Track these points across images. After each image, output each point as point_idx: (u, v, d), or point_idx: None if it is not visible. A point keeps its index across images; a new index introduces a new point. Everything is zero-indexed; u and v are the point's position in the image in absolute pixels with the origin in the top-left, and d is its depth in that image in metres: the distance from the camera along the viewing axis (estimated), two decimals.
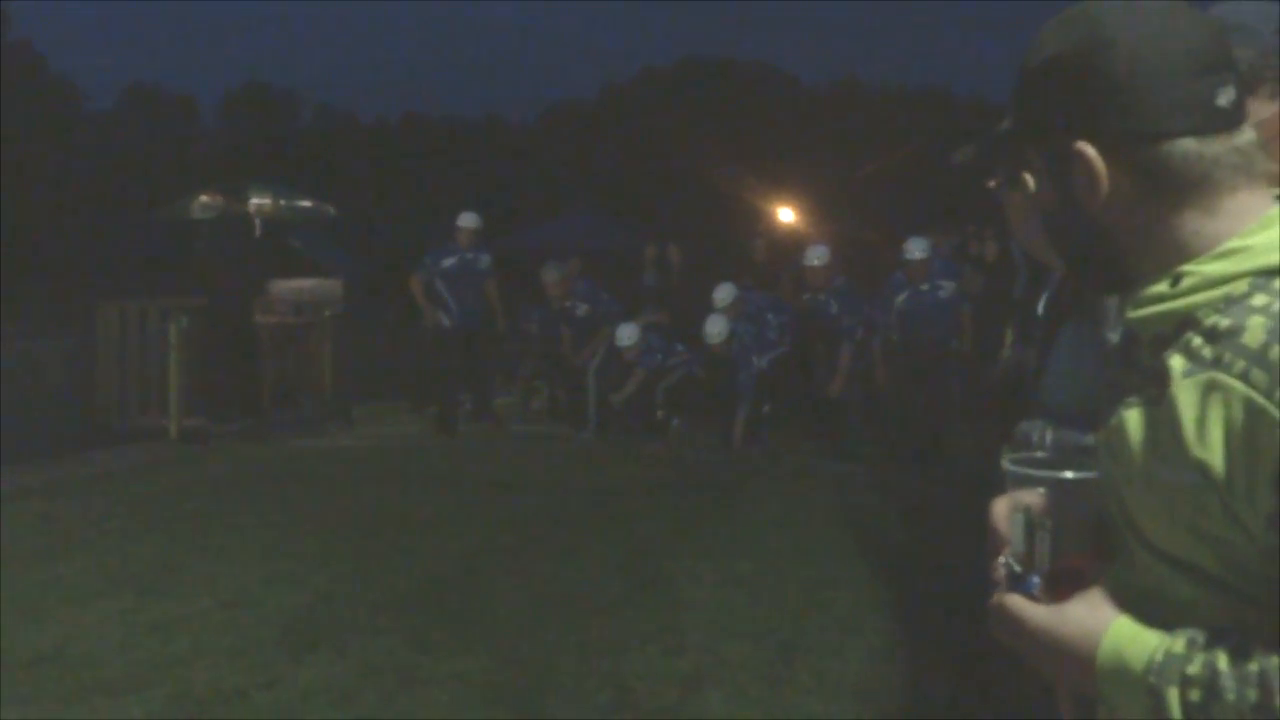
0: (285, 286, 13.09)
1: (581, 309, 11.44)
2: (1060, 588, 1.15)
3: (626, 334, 10.75)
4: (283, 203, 14.60)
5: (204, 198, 13.03)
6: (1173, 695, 1.02)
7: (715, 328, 10.21)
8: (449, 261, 11.25)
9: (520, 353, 13.00)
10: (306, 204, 15.68)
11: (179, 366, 10.58)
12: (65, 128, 36.95)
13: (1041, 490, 1.21)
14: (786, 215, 20.04)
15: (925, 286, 9.68)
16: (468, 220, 11.31)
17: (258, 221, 13.11)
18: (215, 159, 36.25)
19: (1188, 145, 1.09)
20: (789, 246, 14.41)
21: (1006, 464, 1.26)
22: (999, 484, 1.27)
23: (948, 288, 9.79)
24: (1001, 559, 1.20)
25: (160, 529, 7.28)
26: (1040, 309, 2.77)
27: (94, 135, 39.26)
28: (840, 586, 6.02)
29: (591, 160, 40.99)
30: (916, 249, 9.75)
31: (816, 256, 10.54)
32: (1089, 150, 1.11)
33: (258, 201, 13.52)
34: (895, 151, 36.07)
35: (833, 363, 10.21)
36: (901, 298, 9.73)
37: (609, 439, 10.79)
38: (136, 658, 5.05)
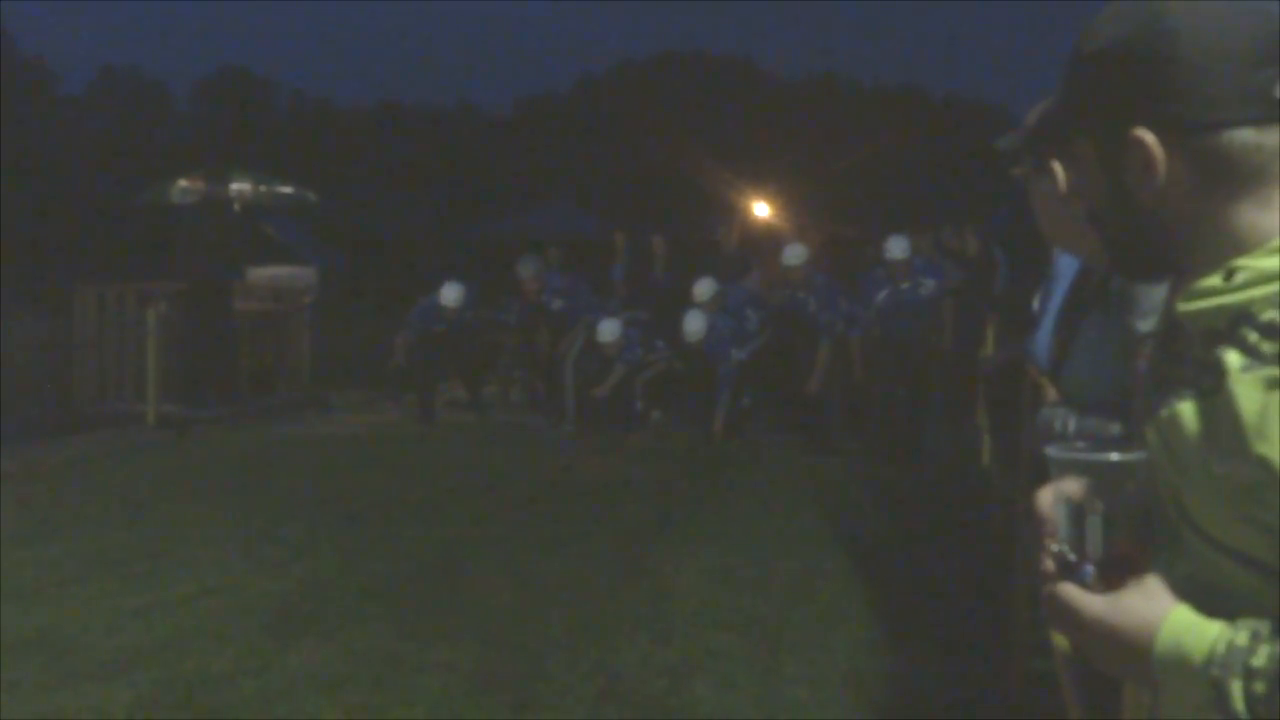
0: (263, 273, 13.01)
1: (556, 303, 11.43)
2: (1113, 575, 1.13)
3: (608, 330, 10.73)
4: (263, 189, 14.48)
5: (183, 182, 12.92)
6: (1236, 687, 1.01)
7: (694, 325, 10.27)
8: (439, 328, 11.40)
9: (497, 345, 12.96)
10: (287, 190, 15.55)
11: (157, 352, 10.49)
12: (38, 111, 36.55)
13: (1087, 477, 1.18)
14: (761, 209, 20.04)
15: (905, 284, 9.72)
16: (450, 298, 11.31)
17: (237, 207, 13.01)
18: (189, 144, 35.97)
19: (1246, 135, 1.08)
20: (762, 239, 14.41)
21: (1050, 451, 1.23)
22: (978, 476, 1.26)
23: (929, 285, 9.84)
24: (1053, 547, 1.18)
25: (140, 514, 7.25)
26: (1036, 304, 2.77)
27: (66, 118, 38.86)
28: (824, 576, 6.05)
29: (568, 152, 40.94)
30: (897, 249, 9.78)
31: (794, 256, 10.54)
32: (1148, 137, 1.10)
33: (238, 187, 13.40)
34: (869, 147, 36.27)
35: (811, 359, 10.23)
36: (881, 295, 9.78)
37: (588, 431, 10.76)
38: (122, 642, 5.02)
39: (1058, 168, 2.22)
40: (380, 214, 29.25)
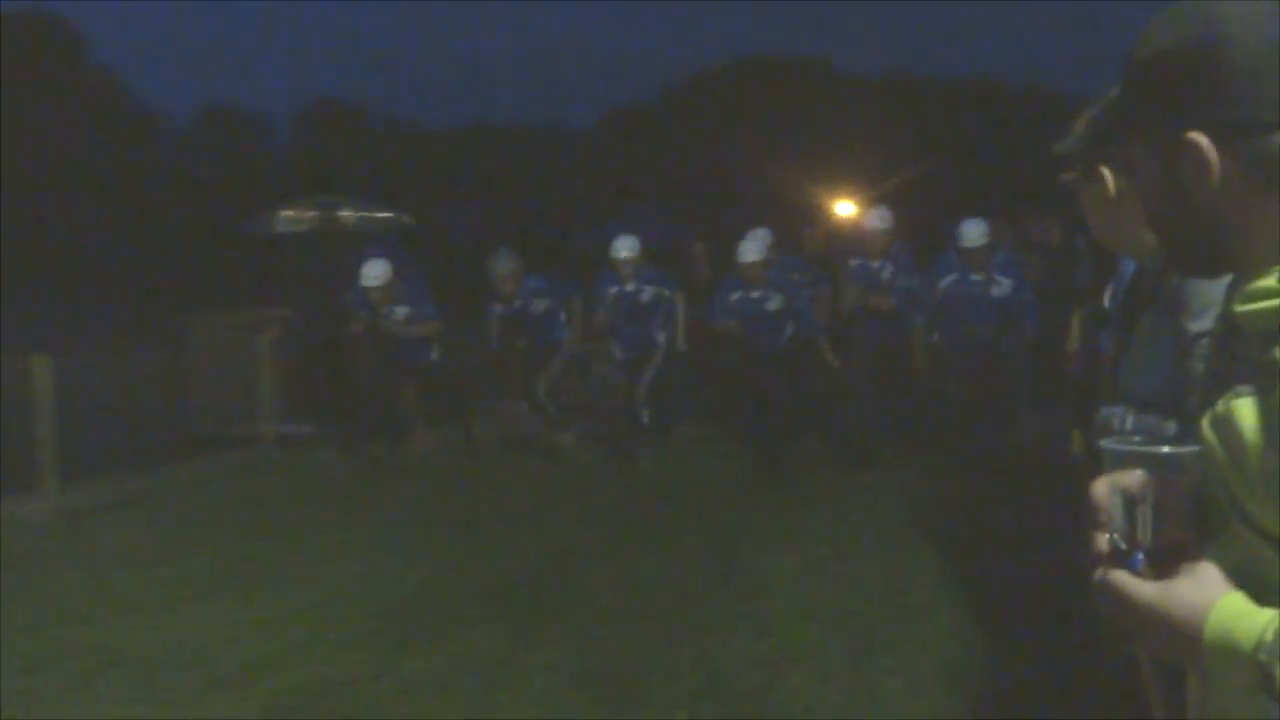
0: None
1: (539, 305, 9.80)
2: (1164, 563, 1.14)
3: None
4: (362, 215, 14.79)
5: (287, 212, 13.23)
6: None
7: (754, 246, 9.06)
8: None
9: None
10: (385, 215, 15.86)
11: (271, 374, 10.76)
12: (148, 149, 37.67)
13: (1140, 469, 1.21)
14: (845, 209, 19.83)
15: (979, 277, 8.62)
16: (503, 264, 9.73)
17: (340, 234, 13.29)
18: (292, 174, 36.74)
19: None
20: (847, 239, 14.21)
21: (1105, 444, 1.27)
22: (1071, 469, 1.30)
23: (1004, 285, 8.66)
24: (1105, 536, 1.19)
25: (260, 530, 7.43)
26: (1107, 300, 2.78)
27: (175, 155, 39.97)
28: (915, 571, 6.04)
29: (652, 160, 40.92)
30: (974, 233, 8.55)
31: (879, 218, 9.49)
32: (1202, 140, 1.11)
33: (338, 214, 13.70)
34: (953, 141, 35.67)
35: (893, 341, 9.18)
36: (948, 280, 8.65)
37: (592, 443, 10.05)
38: (248, 652, 5.18)
39: (1107, 173, 2.27)
40: (475, 230, 29.61)
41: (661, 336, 9.63)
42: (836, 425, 9.60)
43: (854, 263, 9.62)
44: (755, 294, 9.06)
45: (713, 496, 8.06)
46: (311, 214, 12.88)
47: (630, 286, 9.62)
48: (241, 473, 9.65)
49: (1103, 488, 1.21)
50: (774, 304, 9.07)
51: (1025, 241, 11.05)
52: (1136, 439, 1.29)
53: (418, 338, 9.61)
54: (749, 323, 9.11)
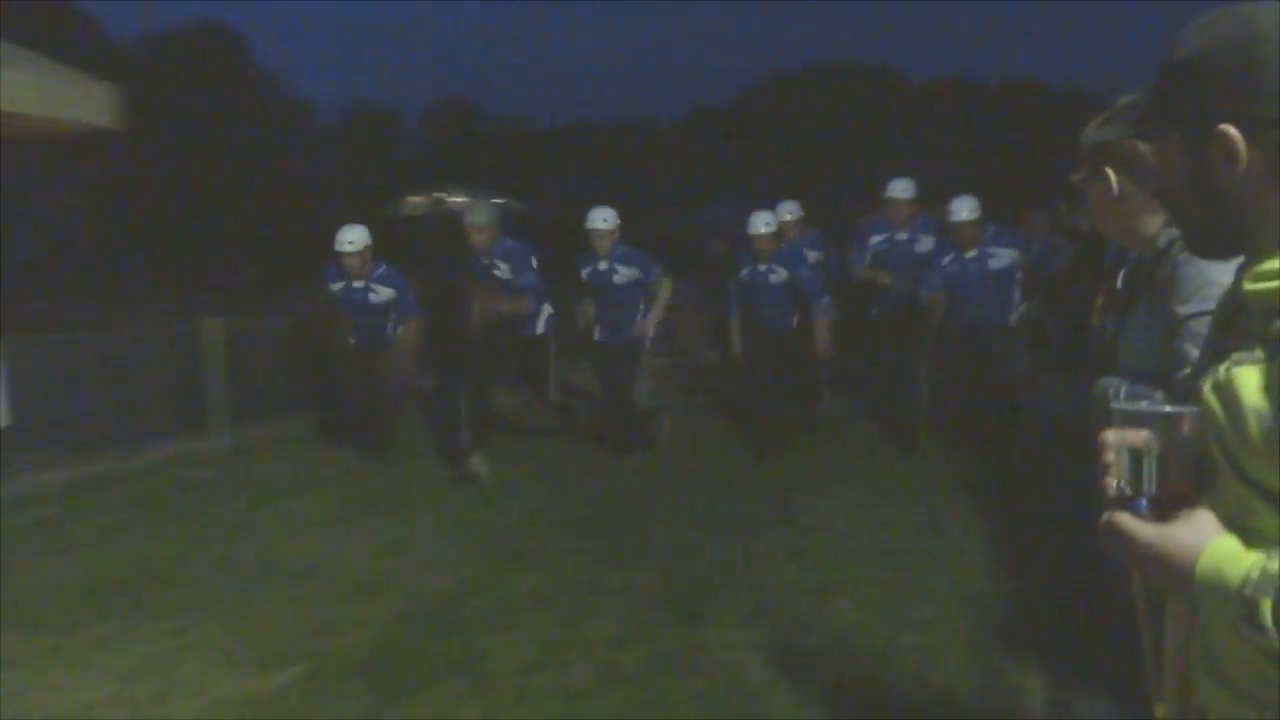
0: None
1: (503, 269, 7.42)
2: (1165, 510, 1.15)
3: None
4: (474, 198, 14.95)
5: (412, 198, 13.43)
6: (1266, 605, 1.02)
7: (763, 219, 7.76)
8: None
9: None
10: (499, 201, 16.02)
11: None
12: (301, 142, 38.35)
13: (1146, 428, 1.19)
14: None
15: (971, 254, 7.37)
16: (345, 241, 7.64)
17: (455, 216, 13.43)
18: (418, 165, 37.13)
19: None
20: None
21: (1115, 405, 1.25)
22: (1086, 434, 1.29)
23: (1003, 256, 7.40)
24: (1112, 482, 1.19)
25: (392, 465, 7.51)
26: (1119, 283, 2.77)
27: (323, 148, 40.64)
28: (948, 515, 6.00)
29: (734, 156, 40.56)
30: (962, 210, 7.32)
31: (901, 188, 8.23)
32: (1232, 132, 1.10)
33: (456, 199, 13.86)
34: (1009, 140, 34.73)
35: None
36: (947, 260, 7.48)
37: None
38: (380, 567, 5.35)
39: (1110, 173, 2.27)
40: (577, 216, 29.77)
41: (645, 336, 7.92)
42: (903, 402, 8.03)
43: (876, 238, 8.38)
44: (762, 268, 7.84)
45: (771, 447, 7.90)
46: (432, 198, 13.01)
47: (603, 265, 7.73)
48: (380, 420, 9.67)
49: (1111, 438, 1.20)
50: (778, 278, 7.81)
51: (1061, 227, 10.79)
52: (1144, 403, 1.26)
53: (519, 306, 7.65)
54: (755, 298, 7.92)
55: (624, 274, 7.76)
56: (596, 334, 7.96)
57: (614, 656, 4.15)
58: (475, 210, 7.65)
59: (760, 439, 7.66)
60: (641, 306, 7.87)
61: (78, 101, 7.85)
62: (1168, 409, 1.19)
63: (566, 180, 38.20)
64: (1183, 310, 2.05)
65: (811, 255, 8.53)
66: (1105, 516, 1.18)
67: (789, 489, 6.72)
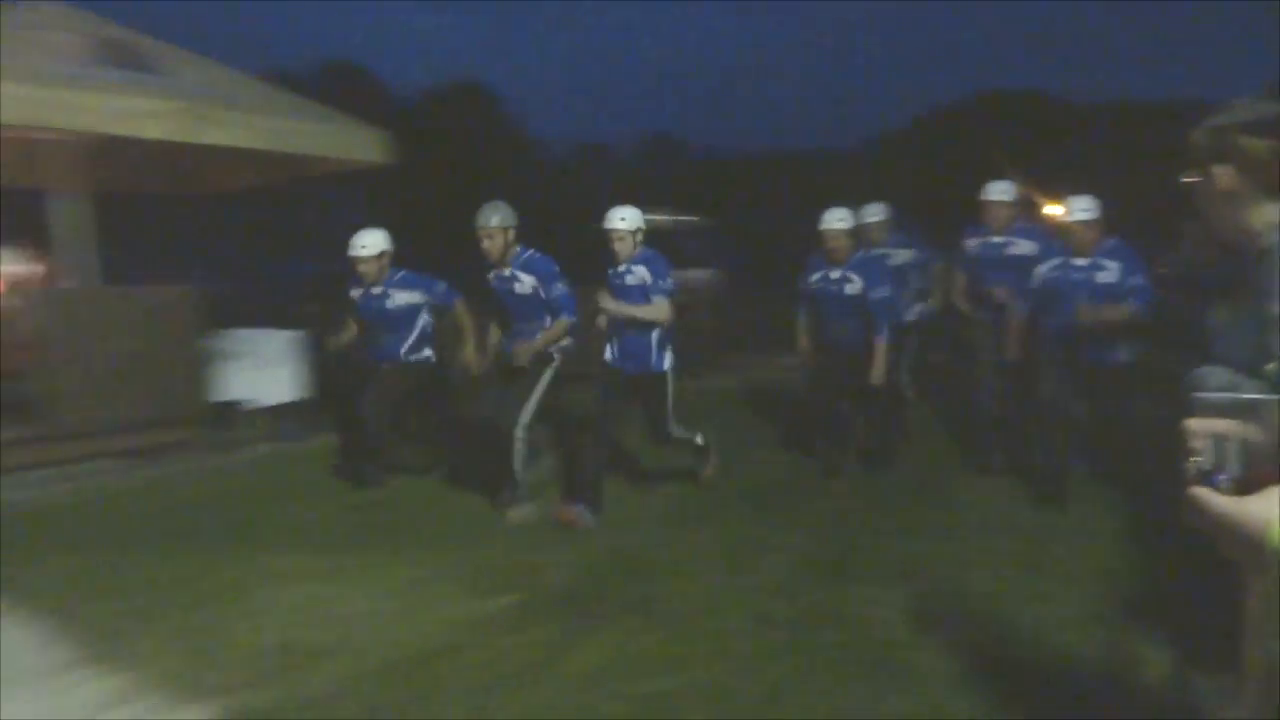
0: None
1: (526, 280, 5.82)
2: (1245, 489, 1.12)
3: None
4: (675, 218, 15.20)
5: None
6: None
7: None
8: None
9: None
10: (693, 219, 16.21)
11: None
12: (536, 175, 39.98)
13: (1229, 416, 1.15)
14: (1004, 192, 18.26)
15: (998, 239, 6.41)
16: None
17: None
18: (626, 190, 37.91)
19: None
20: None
21: (1200, 395, 1.21)
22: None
23: (1024, 246, 6.35)
24: (1194, 460, 1.16)
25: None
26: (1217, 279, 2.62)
27: (554, 179, 42.20)
28: (1077, 496, 5.68)
29: (902, 182, 39.28)
30: (996, 189, 6.41)
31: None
32: None
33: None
34: (1157, 159, 32.11)
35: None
36: (973, 243, 6.44)
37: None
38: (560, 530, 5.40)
39: (1219, 171, 2.15)
40: (760, 233, 29.64)
41: (665, 361, 5.72)
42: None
43: (972, 240, 6.73)
44: (835, 275, 6.27)
45: (918, 430, 7.68)
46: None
47: (621, 268, 5.69)
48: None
49: (1195, 425, 1.18)
50: (852, 288, 6.23)
51: (1207, 238, 9.87)
52: (1225, 393, 1.24)
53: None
54: (825, 309, 6.34)
55: (636, 276, 5.66)
56: (608, 353, 5.78)
57: (768, 606, 4.17)
58: (484, 211, 5.70)
59: (832, 465, 6.43)
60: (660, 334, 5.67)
61: (355, 144, 8.60)
62: (1251, 397, 1.16)
63: (757, 204, 38.05)
64: (1275, 309, 1.94)
65: (902, 255, 7.25)
66: (1189, 492, 1.16)
67: (930, 470, 6.54)
